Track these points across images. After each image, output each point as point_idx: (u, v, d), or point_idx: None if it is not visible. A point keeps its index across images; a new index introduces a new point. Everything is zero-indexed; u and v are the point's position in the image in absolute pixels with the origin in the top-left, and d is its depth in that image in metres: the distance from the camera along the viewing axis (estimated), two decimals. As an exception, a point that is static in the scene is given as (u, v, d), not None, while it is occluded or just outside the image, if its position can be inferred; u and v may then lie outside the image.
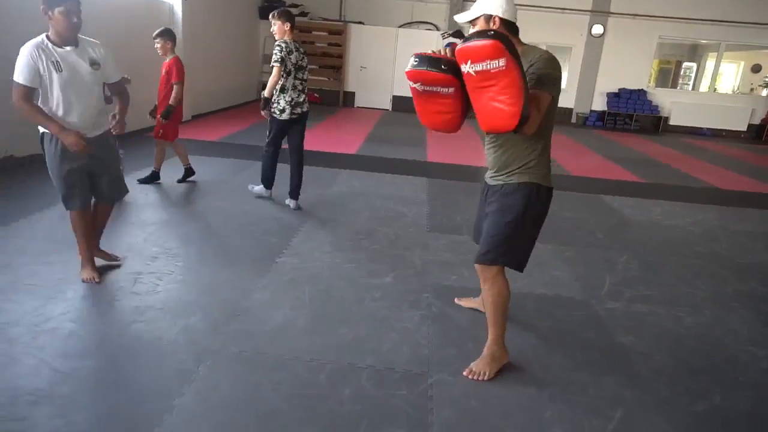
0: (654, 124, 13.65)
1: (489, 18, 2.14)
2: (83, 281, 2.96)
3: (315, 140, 8.19)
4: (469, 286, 3.36)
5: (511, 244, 2.29)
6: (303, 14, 12.73)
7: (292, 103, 4.44)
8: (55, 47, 2.63)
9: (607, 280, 3.63)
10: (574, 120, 13.77)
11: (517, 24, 2.21)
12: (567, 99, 13.78)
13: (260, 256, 3.59)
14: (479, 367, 2.42)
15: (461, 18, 2.26)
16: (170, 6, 8.25)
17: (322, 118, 10.65)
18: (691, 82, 16.30)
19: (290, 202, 4.67)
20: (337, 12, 13.02)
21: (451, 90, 2.07)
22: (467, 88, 2.03)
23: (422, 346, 2.63)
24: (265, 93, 4.42)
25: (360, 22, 12.81)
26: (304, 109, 4.55)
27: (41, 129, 2.74)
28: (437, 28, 12.77)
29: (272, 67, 4.37)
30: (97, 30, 6.02)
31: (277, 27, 4.46)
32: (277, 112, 4.47)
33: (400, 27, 12.74)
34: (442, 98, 2.13)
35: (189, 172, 5.24)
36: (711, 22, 12.69)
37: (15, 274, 3.00)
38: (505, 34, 1.99)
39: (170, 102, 4.79)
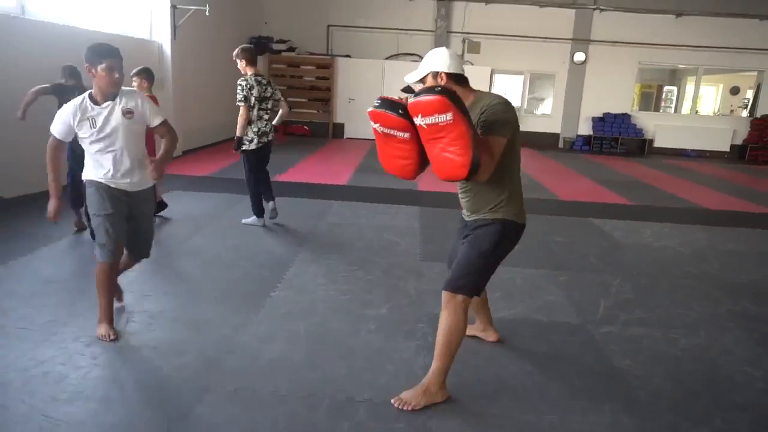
0: (639, 146, 13.89)
1: (436, 75, 2.25)
2: (98, 338, 2.78)
3: (306, 172, 8.25)
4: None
5: (479, 276, 2.35)
6: (291, 49, 12.96)
7: (259, 133, 4.77)
8: (93, 105, 2.69)
9: (602, 304, 3.64)
10: (561, 145, 13.98)
11: (466, 74, 2.31)
12: (553, 124, 14.02)
13: (254, 290, 3.57)
14: (408, 396, 2.36)
15: (411, 78, 2.36)
16: (159, 45, 8.38)
17: (312, 150, 10.74)
18: (673, 105, 16.66)
19: (269, 204, 5.01)
20: (324, 46, 13.27)
21: (407, 135, 2.15)
22: (421, 139, 2.13)
23: (419, 377, 2.59)
24: (238, 132, 4.71)
25: (347, 56, 13.04)
26: (270, 138, 4.90)
27: (85, 177, 2.80)
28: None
29: (238, 106, 4.64)
30: (84, 69, 6.10)
31: (239, 65, 4.77)
32: (247, 143, 4.75)
33: (386, 59, 12.98)
34: (400, 143, 2.19)
35: (161, 205, 5.14)
36: (688, 47, 13.06)
37: (5, 318, 2.96)
38: (451, 89, 2.08)
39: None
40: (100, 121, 2.68)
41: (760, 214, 7.11)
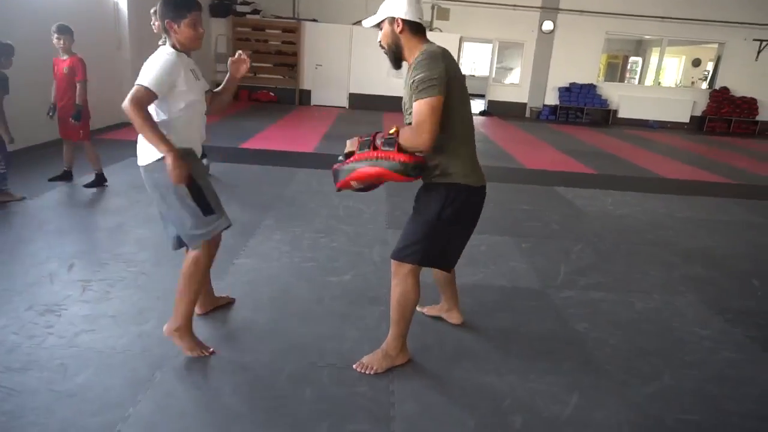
0: (604, 117, 14.10)
1: (393, 20, 2.13)
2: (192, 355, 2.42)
3: (271, 140, 8.09)
4: (428, 281, 3.37)
5: (425, 244, 2.22)
6: (255, 12, 12.54)
7: None
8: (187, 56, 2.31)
9: (563, 270, 3.73)
10: (528, 114, 14.08)
11: (422, 23, 2.18)
12: (521, 94, 14.08)
13: (217, 258, 3.49)
14: (369, 360, 2.39)
15: (368, 23, 2.22)
16: (114, 3, 7.97)
17: (278, 117, 10.52)
18: (637, 76, 16.92)
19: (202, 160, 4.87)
20: (291, 9, 12.88)
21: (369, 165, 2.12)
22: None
23: (383, 342, 2.62)
24: None
25: (314, 20, 12.71)
26: None
27: (152, 157, 2.25)
28: (392, 25, 12.79)
29: None
30: (34, 29, 5.77)
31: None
32: None
33: (354, 24, 12.70)
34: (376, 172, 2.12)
35: (100, 178, 4.94)
36: (654, 18, 13.19)
37: (-47, 287, 2.84)
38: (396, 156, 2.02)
39: (78, 102, 4.64)
40: (200, 75, 2.37)
41: (715, 183, 7.36)
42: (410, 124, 2.10)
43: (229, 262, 3.44)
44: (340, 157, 2.26)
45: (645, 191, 6.41)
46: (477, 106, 15.09)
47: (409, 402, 2.20)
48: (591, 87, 13.81)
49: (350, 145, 2.27)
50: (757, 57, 13.70)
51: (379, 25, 2.20)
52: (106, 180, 4.97)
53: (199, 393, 2.18)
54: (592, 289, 3.46)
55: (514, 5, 12.92)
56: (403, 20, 2.12)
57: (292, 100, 12.95)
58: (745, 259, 4.23)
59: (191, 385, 2.23)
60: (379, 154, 2.07)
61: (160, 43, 2.36)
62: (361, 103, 12.91)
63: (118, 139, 7.11)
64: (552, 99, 13.99)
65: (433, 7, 12.80)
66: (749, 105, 13.94)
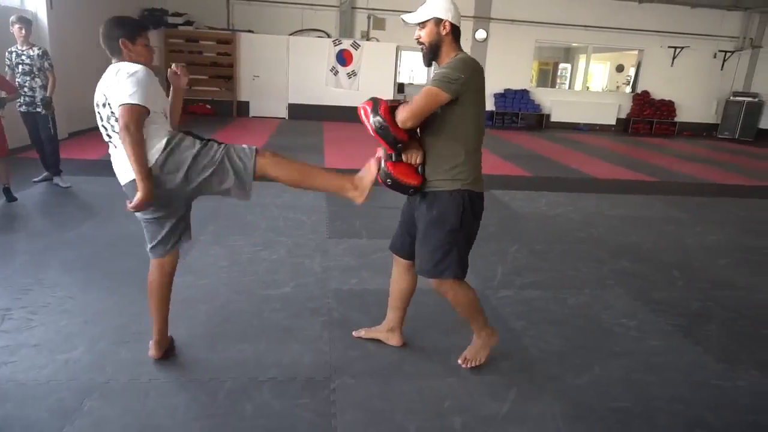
0: (538, 121, 14.65)
1: (439, 21, 2.17)
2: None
3: (209, 152, 7.89)
4: (370, 287, 3.40)
5: (457, 253, 2.28)
6: (188, 23, 12.24)
7: None
8: None
9: (500, 271, 3.84)
10: (466, 121, 14.41)
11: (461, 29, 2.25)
12: (458, 101, 14.40)
13: (151, 277, 3.39)
14: (471, 354, 2.57)
15: (411, 18, 2.24)
16: (33, 14, 7.58)
17: (215, 129, 10.29)
18: (567, 82, 17.72)
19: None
20: (225, 21, 12.67)
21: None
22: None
23: (324, 352, 2.62)
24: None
25: (249, 31, 12.54)
26: None
27: (128, 178, 2.22)
28: (328, 35, 12.83)
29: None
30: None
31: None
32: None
33: (291, 35, 12.65)
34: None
35: (7, 193, 4.76)
36: (580, 27, 13.86)
37: None
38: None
39: None
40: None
41: (640, 181, 7.80)
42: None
43: (164, 280, 3.32)
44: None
45: (577, 191, 6.70)
46: (416, 113, 15.31)
47: (351, 411, 2.20)
48: (524, 93, 14.33)
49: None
50: (673, 62, 14.66)
51: (422, 24, 2.21)
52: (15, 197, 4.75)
53: (132, 418, 2.10)
54: (528, 287, 3.58)
55: (448, 15, 13.23)
56: (451, 23, 2.17)
57: (230, 112, 12.70)
58: (667, 252, 4.50)
59: (123, 410, 2.13)
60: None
61: (114, 61, 2.29)
62: (301, 113, 12.83)
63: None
64: (488, 105, 14.39)
65: (369, 17, 12.93)
66: (668, 107, 14.88)
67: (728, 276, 4.04)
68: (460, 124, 2.19)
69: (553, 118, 14.69)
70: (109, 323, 2.79)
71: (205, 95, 12.55)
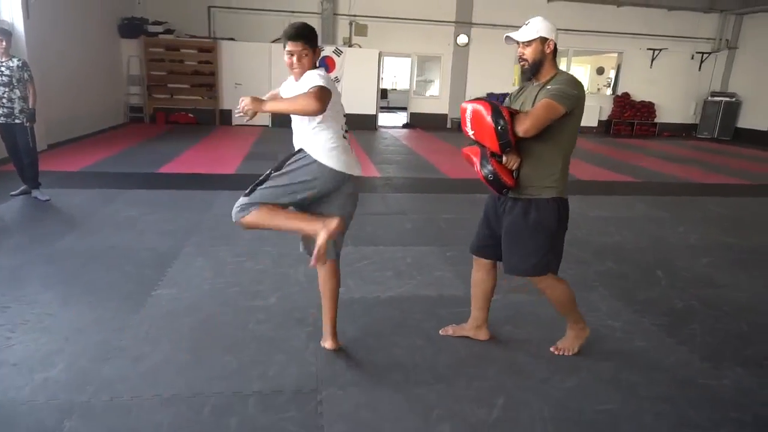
0: (520, 124, 14.74)
1: (545, 41, 2.38)
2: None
3: (191, 163, 7.84)
4: (356, 296, 3.39)
5: (553, 253, 2.54)
6: (169, 32, 12.16)
7: None
8: None
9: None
10: (449, 125, 14.49)
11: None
12: (441, 105, 14.49)
13: (133, 290, 3.34)
14: (564, 345, 2.78)
15: (518, 36, 2.42)
16: (10, 24, 7.47)
17: (197, 138, 10.22)
18: (549, 85, 17.87)
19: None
20: (206, 29, 12.60)
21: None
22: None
23: (310, 363, 2.59)
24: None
25: (231, 39, 12.49)
26: None
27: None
28: (311, 43, 12.80)
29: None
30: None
31: None
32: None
33: (273, 42, 12.61)
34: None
35: None
36: (561, 30, 13.87)
37: None
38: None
39: None
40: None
41: (622, 182, 7.88)
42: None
43: (146, 294, 3.27)
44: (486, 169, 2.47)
45: (560, 193, 6.73)
46: (399, 119, 15.38)
47: (339, 423, 2.17)
48: (507, 96, 14.39)
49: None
50: (651, 64, 14.89)
51: (528, 42, 2.39)
52: None
53: (114, 437, 2.05)
54: (515, 291, 3.57)
55: (430, 20, 13.32)
56: (554, 43, 2.39)
57: (212, 120, 12.62)
58: (649, 252, 4.55)
59: (105, 430, 2.09)
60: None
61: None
62: (284, 120, 12.68)
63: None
64: (471, 109, 14.45)
65: (351, 24, 12.95)
66: (648, 109, 15.10)
67: (710, 274, 4.09)
68: (562, 135, 2.40)
69: (536, 121, 14.79)
70: (90, 339, 2.73)
71: (187, 104, 12.46)
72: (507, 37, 2.51)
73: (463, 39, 13.76)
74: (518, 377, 2.57)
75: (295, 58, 2.38)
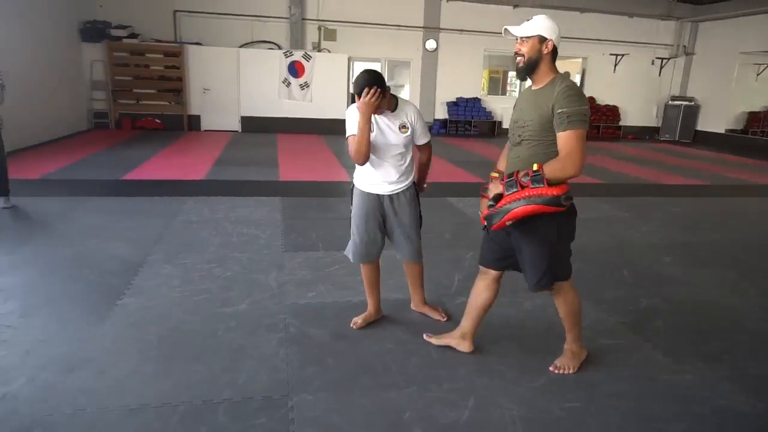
0: (490, 128, 14.97)
1: (543, 40, 2.30)
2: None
3: (158, 169, 7.69)
4: (327, 301, 3.38)
5: (566, 258, 2.57)
6: (133, 36, 11.92)
7: None
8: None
9: (456, 278, 3.88)
10: (420, 129, 14.57)
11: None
12: (411, 110, 14.55)
13: (98, 300, 3.26)
14: (563, 363, 2.68)
15: (516, 32, 2.34)
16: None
17: (165, 144, 10.03)
18: (517, 89, 18.17)
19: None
20: (172, 33, 12.40)
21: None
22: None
23: (281, 369, 2.57)
24: None
25: (198, 43, 12.33)
26: None
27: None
28: (279, 47, 12.75)
29: None
30: None
31: None
32: None
33: (241, 47, 12.50)
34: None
35: None
36: (525, 35, 14.25)
37: None
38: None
39: None
40: (375, 128, 2.97)
41: (588, 183, 8.06)
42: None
43: (112, 303, 3.20)
44: (491, 202, 2.36)
45: (528, 196, 6.85)
46: (371, 123, 15.37)
47: (310, 429, 2.16)
48: (476, 100, 14.63)
49: (494, 188, 2.42)
50: (615, 69, 15.31)
51: (524, 38, 2.33)
52: None
53: (78, 452, 2.00)
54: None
55: (398, 25, 13.40)
56: (553, 44, 2.30)
57: (181, 126, 12.42)
58: (614, 251, 4.67)
59: (69, 444, 2.03)
60: (532, 192, 2.22)
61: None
62: (254, 125, 12.68)
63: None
64: (442, 113, 14.62)
65: (319, 28, 12.93)
66: (613, 112, 15.50)
67: (672, 272, 4.22)
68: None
69: (505, 125, 15.03)
70: (53, 352, 2.65)
71: (154, 109, 12.23)
72: (505, 29, 2.42)
73: (431, 44, 13.88)
74: (488, 378, 2.60)
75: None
